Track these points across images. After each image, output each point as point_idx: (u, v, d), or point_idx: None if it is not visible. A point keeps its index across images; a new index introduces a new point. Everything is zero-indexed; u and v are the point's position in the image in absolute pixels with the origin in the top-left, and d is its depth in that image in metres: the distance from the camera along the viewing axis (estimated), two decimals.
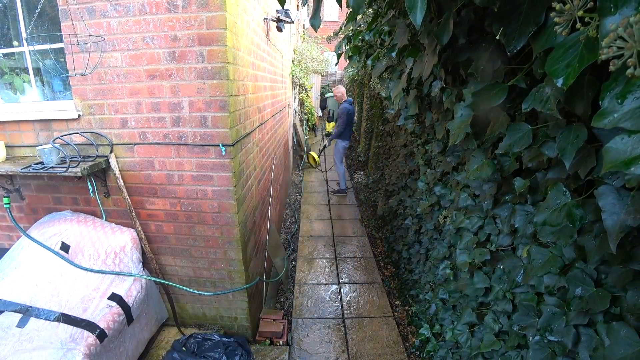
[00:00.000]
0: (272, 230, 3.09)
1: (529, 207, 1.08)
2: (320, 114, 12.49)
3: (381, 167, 4.37)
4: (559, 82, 0.53)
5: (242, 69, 2.05)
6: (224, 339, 2.02)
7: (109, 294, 1.83)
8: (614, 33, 0.40)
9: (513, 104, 0.98)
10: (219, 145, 1.88)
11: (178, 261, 2.22)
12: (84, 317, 1.68)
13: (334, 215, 4.73)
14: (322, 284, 3.20)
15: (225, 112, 1.81)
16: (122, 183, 1.96)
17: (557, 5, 0.49)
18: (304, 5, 7.15)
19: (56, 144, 1.79)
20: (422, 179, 2.28)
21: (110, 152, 1.94)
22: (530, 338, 0.96)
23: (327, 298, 2.99)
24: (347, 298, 2.99)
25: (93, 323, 1.64)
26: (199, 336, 2.02)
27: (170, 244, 2.18)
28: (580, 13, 0.48)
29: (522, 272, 1.12)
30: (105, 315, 1.71)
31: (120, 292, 1.87)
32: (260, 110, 2.73)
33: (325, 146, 6.00)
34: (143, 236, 2.07)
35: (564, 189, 0.80)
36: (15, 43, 1.96)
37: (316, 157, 6.95)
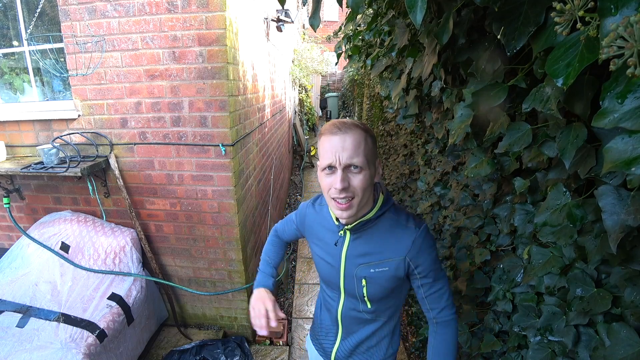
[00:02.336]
0: None
1: (528, 207, 1.08)
2: (320, 114, 12.50)
3: (381, 166, 4.36)
4: (559, 82, 0.53)
5: (242, 69, 2.05)
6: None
7: (109, 294, 1.83)
8: (614, 32, 0.40)
9: (513, 104, 0.98)
10: (219, 145, 1.88)
11: (178, 261, 2.22)
12: (84, 317, 1.68)
13: None
14: None
15: (225, 112, 1.81)
16: (122, 183, 1.96)
17: (558, 5, 0.49)
18: (304, 5, 7.16)
19: (56, 144, 1.80)
20: (422, 179, 2.28)
21: (110, 152, 1.94)
22: (532, 339, 0.96)
23: None
24: None
25: (93, 323, 1.64)
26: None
27: (170, 244, 2.17)
28: (581, 13, 0.48)
29: (521, 271, 1.12)
30: (105, 315, 1.71)
31: (120, 292, 1.87)
32: (260, 110, 2.73)
33: None
34: (143, 236, 2.07)
35: (564, 189, 0.79)
36: (15, 43, 1.96)
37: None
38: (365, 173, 0.83)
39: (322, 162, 0.86)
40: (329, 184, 0.85)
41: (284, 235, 1.25)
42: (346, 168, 0.82)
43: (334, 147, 0.82)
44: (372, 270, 0.93)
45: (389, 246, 0.92)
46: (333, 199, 0.85)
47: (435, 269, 0.93)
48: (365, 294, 0.96)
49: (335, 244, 0.98)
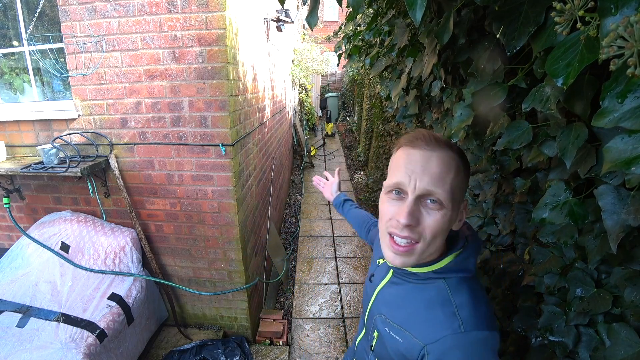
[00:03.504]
0: (272, 230, 3.09)
1: (529, 206, 1.08)
2: (320, 114, 12.49)
3: (381, 167, 4.37)
4: (559, 82, 0.53)
5: (242, 69, 2.05)
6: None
7: (109, 294, 1.83)
8: (614, 32, 0.40)
9: (513, 104, 0.98)
10: (219, 145, 1.88)
11: (178, 261, 2.22)
12: (84, 317, 1.68)
13: (334, 215, 4.73)
14: (322, 284, 3.20)
15: (225, 112, 1.81)
16: (122, 183, 1.96)
17: (558, 5, 0.49)
18: (304, 5, 7.16)
19: (56, 144, 1.80)
20: None
21: (110, 152, 1.94)
22: (533, 339, 0.96)
23: (327, 298, 2.99)
24: (347, 298, 2.98)
25: (93, 323, 1.64)
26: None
27: (170, 244, 2.17)
28: (581, 13, 0.48)
29: (521, 271, 1.12)
30: (105, 315, 1.71)
31: (120, 292, 1.87)
32: (260, 110, 2.73)
33: (323, 144, 6.05)
34: (143, 236, 2.07)
35: (564, 186, 0.79)
36: (15, 43, 1.96)
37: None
38: (444, 213, 0.60)
39: (389, 180, 0.64)
40: (390, 212, 0.64)
41: (357, 214, 1.26)
42: (420, 198, 0.61)
43: (413, 165, 0.61)
44: (386, 329, 0.72)
45: (417, 319, 0.66)
46: (389, 234, 0.64)
47: None
48: (373, 348, 0.77)
49: (370, 278, 0.83)
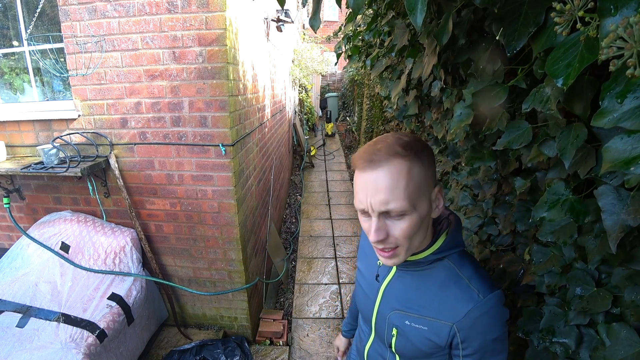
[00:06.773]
0: (272, 231, 3.09)
1: (529, 204, 1.08)
2: (320, 114, 12.50)
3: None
4: (559, 82, 0.53)
5: (242, 69, 2.05)
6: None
7: (109, 294, 1.83)
8: (614, 33, 0.40)
9: (513, 104, 0.98)
10: (219, 145, 1.88)
11: (178, 261, 2.22)
12: (84, 317, 1.68)
13: (334, 215, 4.73)
14: (323, 284, 3.20)
15: (225, 112, 1.81)
16: (122, 183, 1.96)
17: (558, 6, 0.49)
18: (304, 6, 7.16)
19: (56, 144, 1.80)
20: None
21: (110, 152, 1.94)
22: (536, 342, 0.96)
23: (327, 298, 2.99)
24: (347, 298, 2.98)
25: (93, 323, 1.65)
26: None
27: (170, 244, 2.18)
28: (580, 13, 0.48)
29: (521, 271, 1.12)
30: (105, 315, 1.71)
31: (121, 292, 1.87)
32: (260, 110, 2.73)
33: (323, 144, 6.06)
34: (143, 236, 2.07)
35: (564, 185, 0.80)
36: (15, 43, 1.96)
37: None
38: (410, 218, 0.63)
39: (355, 202, 0.68)
40: (366, 229, 0.67)
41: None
42: (382, 215, 0.63)
43: (364, 187, 0.63)
44: (406, 322, 0.75)
45: (436, 303, 0.71)
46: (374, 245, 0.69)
47: (489, 354, 0.69)
48: (393, 345, 0.79)
49: (377, 278, 0.82)
